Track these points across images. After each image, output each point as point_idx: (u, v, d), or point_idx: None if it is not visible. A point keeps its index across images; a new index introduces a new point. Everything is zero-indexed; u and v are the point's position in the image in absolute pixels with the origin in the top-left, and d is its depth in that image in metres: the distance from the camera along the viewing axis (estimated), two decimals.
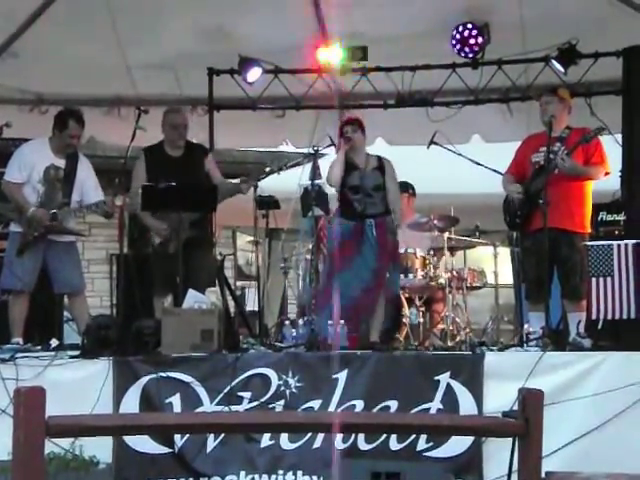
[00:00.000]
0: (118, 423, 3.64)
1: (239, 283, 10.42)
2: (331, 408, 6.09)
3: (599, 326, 6.39)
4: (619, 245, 6.31)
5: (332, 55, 8.63)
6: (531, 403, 3.53)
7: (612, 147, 7.26)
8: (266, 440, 6.09)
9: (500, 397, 5.80)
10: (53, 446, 5.40)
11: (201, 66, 8.88)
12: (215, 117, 9.11)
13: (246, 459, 6.11)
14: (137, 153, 7.47)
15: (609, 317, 6.28)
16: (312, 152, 7.50)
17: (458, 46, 8.42)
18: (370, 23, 8.38)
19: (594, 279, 6.28)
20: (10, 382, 5.96)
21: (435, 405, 6.10)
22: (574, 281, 6.91)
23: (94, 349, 6.41)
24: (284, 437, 6.07)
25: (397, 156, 7.60)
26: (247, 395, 6.20)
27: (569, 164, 6.92)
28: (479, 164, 7.56)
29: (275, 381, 6.21)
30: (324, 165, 7.49)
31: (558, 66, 8.37)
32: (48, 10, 8.28)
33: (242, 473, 6.08)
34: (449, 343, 7.65)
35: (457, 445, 5.96)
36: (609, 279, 6.25)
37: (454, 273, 8.16)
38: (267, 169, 7.41)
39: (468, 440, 5.92)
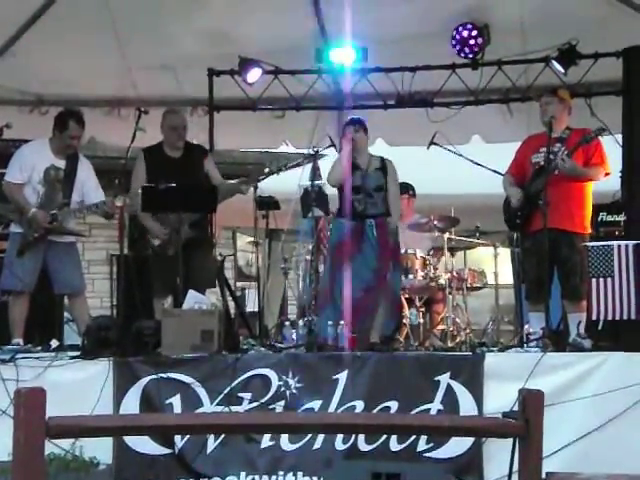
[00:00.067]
0: (118, 424, 3.64)
1: (239, 284, 10.41)
2: (331, 409, 6.09)
3: (599, 327, 6.39)
4: (619, 246, 6.31)
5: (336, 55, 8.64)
6: (531, 404, 3.53)
7: (612, 148, 7.26)
8: (266, 441, 6.09)
9: (500, 398, 5.80)
10: (53, 447, 5.38)
11: (201, 67, 8.87)
12: (215, 118, 9.11)
13: (246, 460, 6.10)
14: (137, 154, 7.47)
15: (609, 318, 6.28)
16: (312, 153, 7.51)
17: (458, 47, 8.42)
18: (370, 24, 8.37)
19: (594, 280, 6.28)
20: (10, 383, 5.96)
21: (435, 406, 6.10)
22: (574, 282, 6.91)
23: (94, 350, 6.41)
24: (284, 438, 6.06)
25: (397, 157, 7.59)
26: (247, 396, 6.20)
27: (569, 165, 6.92)
28: (479, 165, 7.56)
29: (275, 382, 6.21)
30: (324, 166, 7.49)
31: (558, 67, 8.37)
32: (48, 11, 8.29)
33: (242, 474, 6.08)
34: (449, 344, 7.66)
35: (457, 446, 5.96)
36: (609, 280, 6.25)
37: (454, 274, 8.17)
38: (266, 170, 7.41)
39: (468, 441, 5.92)
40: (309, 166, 7.63)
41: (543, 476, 3.66)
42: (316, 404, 6.16)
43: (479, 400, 6.06)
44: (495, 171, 7.47)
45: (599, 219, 7.50)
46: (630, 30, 7.66)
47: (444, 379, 6.13)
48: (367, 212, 7.20)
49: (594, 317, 6.32)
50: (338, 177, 7.22)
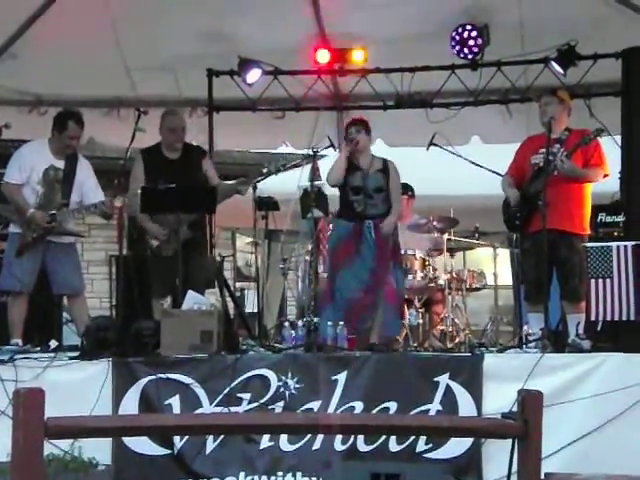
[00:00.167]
0: (117, 424, 3.64)
1: (238, 284, 10.41)
2: (330, 409, 6.09)
3: (598, 327, 6.39)
4: (618, 246, 6.31)
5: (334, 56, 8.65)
6: (530, 404, 3.53)
7: (611, 148, 7.25)
8: (265, 441, 6.09)
9: (499, 398, 5.80)
10: (52, 447, 5.39)
11: (201, 67, 8.88)
12: (215, 118, 9.12)
13: (245, 460, 6.10)
14: (135, 155, 7.47)
15: (608, 318, 6.28)
16: (311, 153, 7.50)
17: (457, 47, 8.42)
18: (369, 24, 8.38)
19: (593, 280, 6.28)
20: (9, 383, 5.97)
21: (434, 406, 6.10)
22: (573, 282, 6.91)
23: (93, 350, 6.41)
24: (283, 438, 6.06)
25: (397, 157, 7.59)
26: (246, 396, 6.20)
27: (568, 166, 6.91)
28: (478, 165, 7.56)
29: (274, 382, 6.21)
30: (323, 166, 7.49)
31: (557, 67, 8.37)
32: (47, 11, 8.28)
33: (241, 474, 6.08)
34: (448, 344, 7.66)
35: (456, 446, 5.96)
36: (608, 280, 6.25)
37: (454, 274, 8.17)
38: (265, 170, 7.40)
39: (467, 441, 5.92)
40: (308, 167, 7.63)
41: (542, 476, 3.66)
42: (315, 405, 6.16)
43: (478, 401, 6.06)
44: (494, 172, 7.46)
45: (598, 220, 7.49)
46: (629, 31, 7.66)
47: (443, 380, 6.13)
48: (366, 213, 7.20)
49: (593, 318, 6.32)
50: (337, 177, 7.23)
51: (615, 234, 7.36)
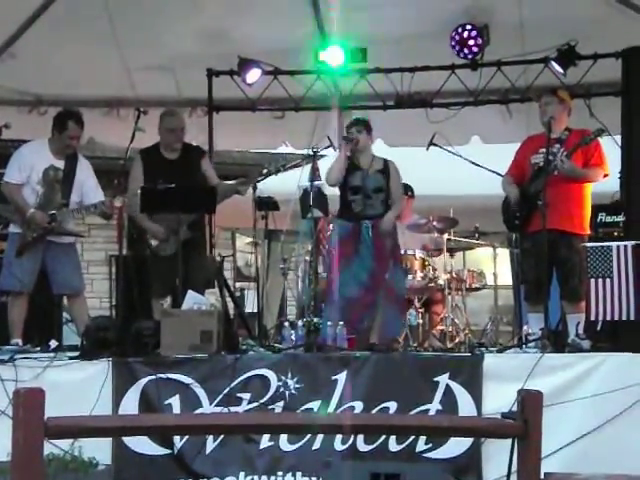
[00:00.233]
0: (117, 424, 3.64)
1: (238, 284, 10.42)
2: (330, 409, 6.09)
3: (598, 327, 6.40)
4: (618, 246, 6.31)
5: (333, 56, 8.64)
6: (530, 404, 3.53)
7: (611, 148, 7.25)
8: (265, 441, 6.09)
9: (499, 398, 5.80)
10: (52, 447, 5.39)
11: (200, 67, 8.87)
12: (214, 118, 9.12)
13: (245, 460, 6.11)
14: (135, 155, 7.47)
15: (608, 318, 6.28)
16: (311, 153, 7.50)
17: (457, 47, 8.41)
18: (369, 24, 8.38)
19: (593, 280, 6.28)
20: (9, 383, 5.97)
21: (434, 406, 6.10)
22: (573, 282, 6.91)
23: (93, 350, 6.41)
24: (283, 438, 6.07)
25: (396, 157, 7.59)
26: (246, 396, 6.20)
27: (568, 166, 6.92)
28: (478, 165, 7.56)
29: (274, 382, 6.22)
30: (323, 166, 7.49)
31: (557, 67, 8.37)
32: (47, 11, 8.28)
33: (241, 474, 6.08)
34: (448, 344, 7.66)
35: (456, 446, 5.96)
36: (608, 280, 6.25)
37: (453, 274, 8.17)
38: (265, 170, 7.40)
39: (467, 441, 5.92)
40: (308, 167, 7.64)
41: (542, 476, 3.66)
42: (315, 404, 6.16)
43: (478, 400, 6.06)
44: (494, 172, 7.46)
45: (598, 220, 7.49)
46: (629, 31, 7.65)
47: (443, 380, 6.13)
48: (364, 213, 7.19)
49: (593, 318, 6.33)
50: (336, 176, 7.23)
51: (615, 234, 7.36)
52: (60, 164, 7.26)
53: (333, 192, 7.57)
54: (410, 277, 7.95)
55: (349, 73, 8.94)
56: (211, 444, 6.10)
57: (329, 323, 6.81)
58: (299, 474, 6.06)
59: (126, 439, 5.95)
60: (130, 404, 6.15)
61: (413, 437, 5.96)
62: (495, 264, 8.52)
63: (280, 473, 6.07)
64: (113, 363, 6.21)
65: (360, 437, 6.00)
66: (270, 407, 6.15)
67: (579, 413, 5.92)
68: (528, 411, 3.51)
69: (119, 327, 6.65)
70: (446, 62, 8.67)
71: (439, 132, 7.76)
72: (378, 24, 8.34)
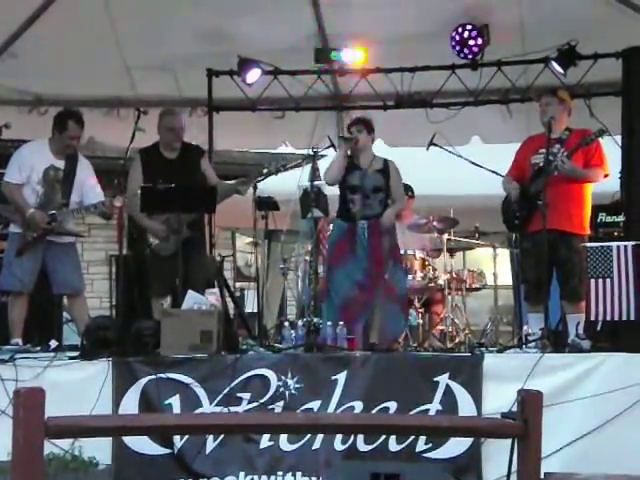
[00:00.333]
0: (117, 424, 3.64)
1: (238, 284, 10.42)
2: (330, 409, 6.09)
3: (598, 327, 6.39)
4: (618, 246, 6.31)
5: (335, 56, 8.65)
6: (530, 404, 3.53)
7: (611, 148, 7.25)
8: (265, 441, 6.09)
9: (499, 398, 5.80)
10: (52, 447, 5.38)
11: (200, 67, 8.88)
12: (214, 118, 9.12)
13: (245, 460, 6.11)
14: (134, 154, 7.47)
15: (608, 318, 6.28)
16: (311, 153, 7.50)
17: (457, 47, 8.42)
18: (369, 24, 8.38)
19: (593, 280, 6.28)
20: (9, 383, 5.96)
21: (434, 406, 6.10)
22: (573, 282, 6.91)
23: (93, 350, 6.40)
24: (283, 438, 6.07)
25: (397, 157, 7.59)
26: (246, 396, 6.20)
27: (568, 166, 6.92)
28: (478, 165, 7.56)
29: (274, 382, 6.22)
30: (323, 166, 7.49)
31: (557, 67, 8.37)
32: (47, 11, 8.28)
33: (241, 474, 6.08)
34: (448, 344, 7.66)
35: (456, 446, 5.96)
36: (608, 280, 6.25)
37: (453, 274, 8.17)
38: (265, 170, 7.40)
39: (467, 441, 5.92)
40: (308, 167, 7.64)
41: (542, 476, 3.66)
42: (315, 404, 6.16)
43: (478, 401, 6.06)
44: (494, 172, 7.46)
45: (598, 220, 7.50)
46: (630, 31, 7.65)
47: (443, 380, 6.13)
48: (362, 213, 7.18)
49: (593, 318, 6.32)
50: (334, 175, 7.22)
51: (615, 234, 7.37)
52: (60, 164, 7.26)
53: (333, 192, 7.57)
54: (410, 277, 7.95)
55: (349, 73, 8.94)
56: (211, 444, 6.10)
57: (329, 323, 6.81)
58: (299, 474, 6.06)
59: (126, 439, 5.95)
60: (130, 404, 6.15)
61: (413, 437, 5.96)
62: (495, 264, 8.53)
63: (280, 473, 6.07)
64: (113, 363, 6.21)
65: (360, 437, 6.00)
66: (270, 407, 6.15)
67: (579, 413, 5.92)
68: (528, 411, 3.51)
69: (119, 327, 6.64)
70: (446, 62, 8.67)
71: (439, 132, 7.75)
72: (378, 24, 8.34)
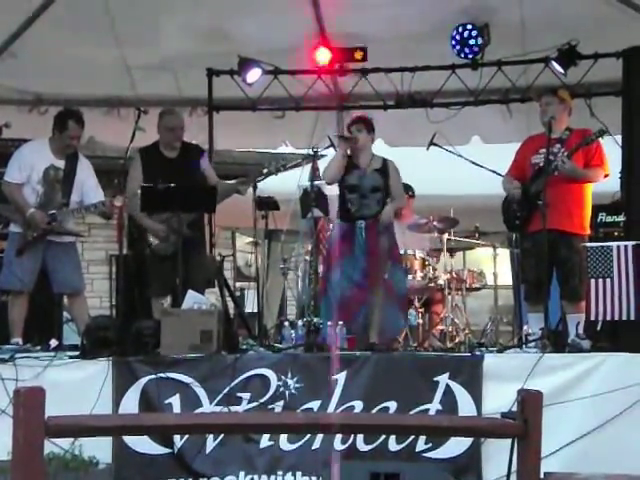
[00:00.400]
0: (117, 423, 3.64)
1: (238, 284, 10.41)
2: (330, 409, 6.09)
3: (598, 327, 6.39)
4: (618, 246, 6.31)
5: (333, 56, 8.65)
6: (530, 404, 3.53)
7: (612, 148, 7.25)
8: (265, 441, 6.10)
9: (499, 398, 5.81)
10: (52, 446, 5.39)
11: (200, 67, 8.88)
12: (215, 118, 9.12)
13: (245, 460, 6.11)
14: (134, 154, 7.47)
15: (608, 318, 6.29)
16: (311, 153, 7.50)
17: (458, 47, 8.42)
18: (370, 24, 8.38)
19: (593, 280, 6.28)
20: (10, 382, 5.97)
21: (434, 406, 6.11)
22: (573, 282, 6.91)
23: (93, 350, 6.41)
24: (283, 438, 6.07)
25: (397, 157, 7.58)
26: (246, 396, 6.20)
27: (569, 166, 6.92)
28: (479, 165, 7.56)
29: (274, 382, 6.22)
30: (323, 166, 7.48)
31: (558, 67, 8.37)
32: (47, 10, 8.28)
33: (241, 474, 6.09)
34: (448, 344, 7.65)
35: (456, 446, 5.96)
36: (608, 280, 6.25)
37: (453, 274, 8.16)
38: (265, 170, 7.41)
39: (467, 441, 5.92)
40: (308, 166, 7.64)
41: (541, 476, 3.66)
42: (315, 404, 6.16)
43: (478, 400, 6.06)
44: (494, 172, 7.46)
45: (598, 220, 7.49)
46: (630, 30, 7.65)
47: (443, 379, 6.13)
48: (360, 213, 7.17)
49: (593, 318, 6.33)
50: (332, 174, 7.21)
51: (615, 234, 7.36)
52: (60, 164, 7.26)
53: (334, 192, 7.56)
54: (410, 277, 7.95)
55: (349, 72, 8.94)
56: (211, 443, 6.10)
57: (329, 323, 6.81)
58: (299, 474, 6.06)
59: (126, 438, 5.95)
60: (130, 403, 6.15)
61: (413, 437, 5.96)
62: (495, 264, 8.52)
63: (280, 472, 6.08)
64: (113, 362, 6.22)
65: (360, 437, 6.00)
66: (270, 407, 6.15)
67: (579, 413, 5.92)
68: (528, 411, 3.51)
69: (119, 326, 6.64)
70: (446, 62, 8.67)
71: (439, 132, 7.75)
72: (378, 24, 8.34)
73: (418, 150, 8.20)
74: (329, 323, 6.82)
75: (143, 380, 6.21)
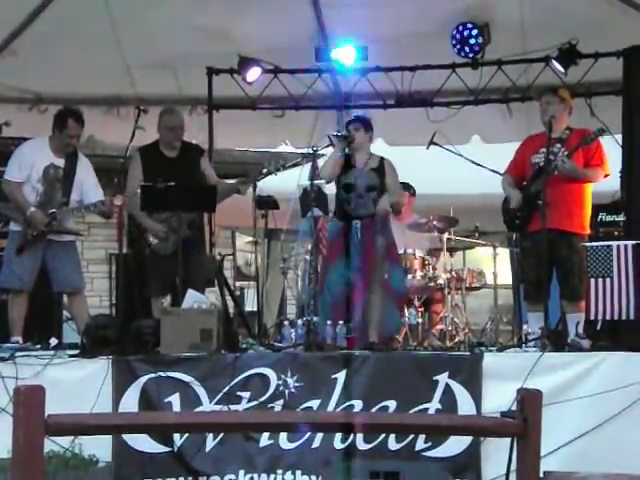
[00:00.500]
0: (117, 422, 3.65)
1: (238, 283, 10.40)
2: (330, 408, 6.09)
3: (598, 327, 6.39)
4: (618, 246, 6.31)
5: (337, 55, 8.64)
6: (530, 403, 3.54)
7: (612, 148, 7.25)
8: (265, 439, 6.10)
9: (499, 397, 5.80)
10: (52, 444, 5.40)
11: (200, 65, 8.87)
12: (215, 117, 9.11)
13: (245, 458, 6.11)
14: (134, 153, 7.47)
15: (608, 318, 6.29)
16: (311, 152, 7.50)
17: (458, 46, 8.41)
18: (370, 23, 8.37)
19: (593, 280, 6.28)
20: (10, 381, 5.97)
21: (434, 405, 6.10)
22: (573, 282, 6.91)
23: (93, 348, 6.41)
24: (283, 437, 6.07)
25: (397, 156, 7.58)
26: (246, 395, 6.20)
27: (569, 166, 6.91)
28: (479, 165, 7.56)
29: (274, 381, 6.22)
30: None
31: (558, 66, 8.36)
32: (47, 9, 8.28)
33: (241, 472, 6.09)
34: (448, 343, 7.66)
35: (456, 445, 5.96)
36: (608, 280, 6.25)
37: (453, 274, 8.16)
38: (265, 169, 7.40)
39: (467, 440, 5.92)
40: (308, 166, 7.63)
41: (541, 475, 3.67)
42: (315, 403, 6.16)
43: (477, 399, 6.05)
44: (494, 171, 7.46)
45: (598, 219, 7.50)
46: (630, 30, 7.65)
47: (443, 379, 6.12)
48: (355, 213, 7.15)
49: (593, 317, 6.33)
50: (328, 172, 7.19)
51: (615, 233, 7.37)
52: (60, 162, 7.26)
53: (333, 191, 7.56)
54: (410, 276, 7.95)
55: (349, 72, 8.94)
56: (211, 442, 6.10)
57: (329, 322, 6.81)
58: (299, 472, 6.06)
59: (126, 437, 5.96)
60: (130, 402, 6.15)
61: (412, 436, 5.96)
62: (495, 263, 8.52)
63: (280, 471, 6.08)
64: (113, 361, 6.22)
65: (359, 436, 5.98)
66: (270, 405, 6.15)
67: (578, 412, 5.92)
68: (527, 410, 3.51)
69: (119, 325, 6.65)
70: (447, 61, 8.67)
71: (439, 131, 7.75)
72: (379, 23, 8.33)
73: (418, 149, 8.20)
74: (328, 322, 6.82)
75: (143, 379, 6.21)
